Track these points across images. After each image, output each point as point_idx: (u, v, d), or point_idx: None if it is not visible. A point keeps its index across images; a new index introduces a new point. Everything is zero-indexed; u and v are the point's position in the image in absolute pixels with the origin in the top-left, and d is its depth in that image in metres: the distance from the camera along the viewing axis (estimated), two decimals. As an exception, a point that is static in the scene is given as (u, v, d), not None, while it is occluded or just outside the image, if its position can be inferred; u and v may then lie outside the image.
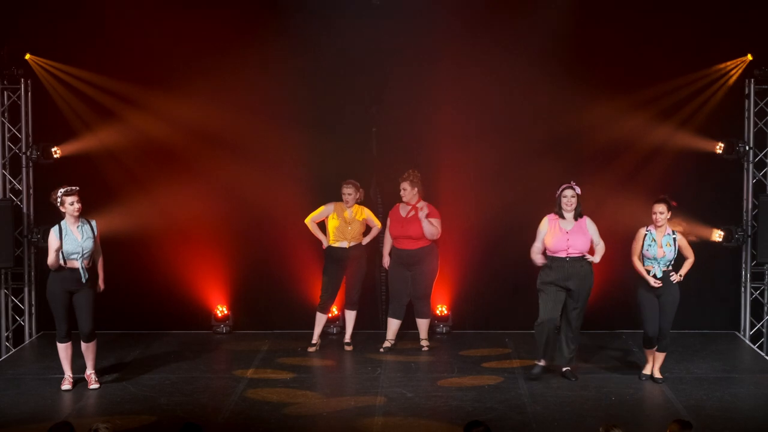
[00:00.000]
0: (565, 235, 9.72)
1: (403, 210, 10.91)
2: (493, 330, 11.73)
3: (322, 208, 10.97)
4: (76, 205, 9.41)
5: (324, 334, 11.36)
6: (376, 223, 11.07)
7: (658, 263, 9.57)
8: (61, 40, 11.42)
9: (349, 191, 10.87)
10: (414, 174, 10.83)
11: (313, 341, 11.05)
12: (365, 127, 11.77)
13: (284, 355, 10.86)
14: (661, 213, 9.57)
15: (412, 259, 10.85)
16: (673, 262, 9.61)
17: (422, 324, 11.06)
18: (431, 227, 10.74)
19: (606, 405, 9.17)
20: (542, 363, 9.87)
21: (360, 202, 11.02)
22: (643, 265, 9.62)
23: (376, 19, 11.37)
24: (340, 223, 10.85)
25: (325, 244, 10.96)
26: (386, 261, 11.04)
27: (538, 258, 9.83)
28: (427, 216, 10.75)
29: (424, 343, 11.05)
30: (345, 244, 10.89)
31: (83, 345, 9.62)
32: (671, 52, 11.32)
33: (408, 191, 10.80)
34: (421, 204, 10.78)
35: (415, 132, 11.63)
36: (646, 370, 9.92)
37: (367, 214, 11.02)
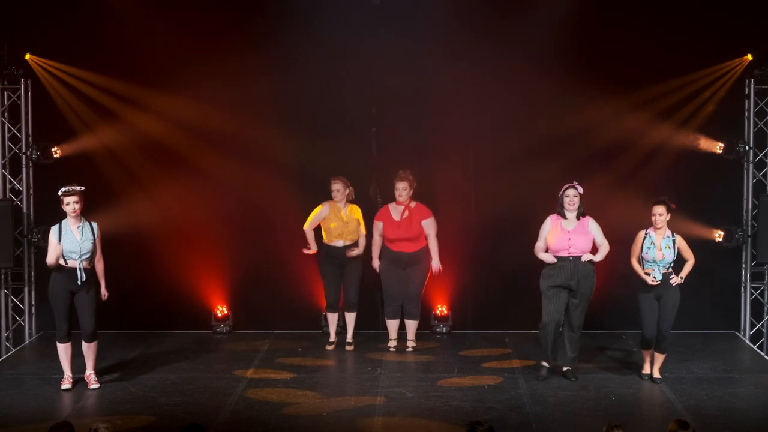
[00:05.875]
0: (566, 234, 9.71)
1: (394, 212, 10.81)
2: (493, 330, 11.72)
3: (317, 211, 10.88)
4: (74, 206, 9.38)
5: (322, 335, 11.39)
6: (363, 231, 10.92)
7: (658, 266, 9.56)
8: (61, 40, 11.42)
9: (337, 187, 10.78)
10: (408, 174, 10.77)
11: (331, 339, 11.15)
12: (365, 127, 11.78)
13: (284, 355, 10.86)
14: (660, 215, 9.56)
15: (409, 260, 10.83)
16: (672, 264, 9.61)
17: (411, 325, 11.02)
18: (435, 242, 10.80)
19: (606, 405, 9.17)
20: (547, 364, 9.88)
21: (353, 201, 10.94)
22: (643, 268, 9.62)
23: (375, 18, 11.38)
24: (336, 224, 10.82)
25: (314, 250, 10.89)
26: (377, 263, 10.93)
27: (544, 256, 9.78)
28: (418, 214, 10.73)
29: (411, 344, 11.01)
30: (341, 243, 10.86)
31: (84, 345, 9.62)
32: (671, 51, 11.32)
33: (406, 192, 10.76)
34: (436, 264, 10.79)
35: (415, 131, 11.63)
36: (646, 370, 9.93)
37: (359, 216, 10.93)
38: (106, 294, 9.64)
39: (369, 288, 11.44)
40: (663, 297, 9.61)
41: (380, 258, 10.92)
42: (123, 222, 11.19)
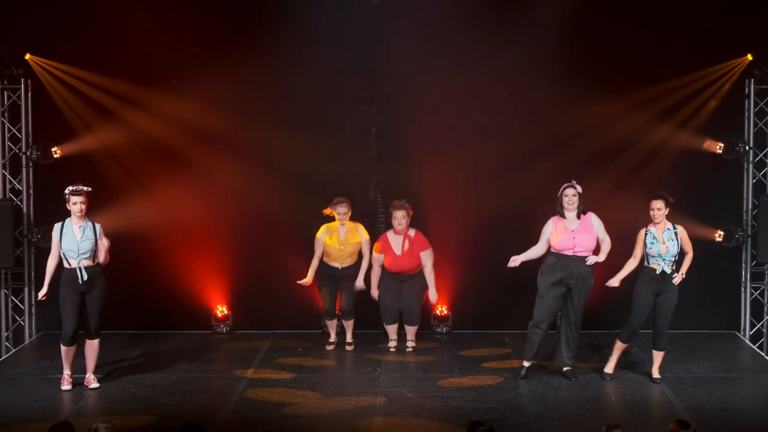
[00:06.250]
0: (570, 234, 9.69)
1: (395, 244, 10.76)
2: (493, 330, 11.73)
3: (318, 237, 10.79)
4: (80, 206, 9.37)
5: (322, 335, 11.39)
6: (367, 255, 10.84)
7: (664, 259, 9.53)
8: (61, 40, 11.43)
9: (343, 210, 10.74)
10: (404, 203, 10.70)
11: (331, 339, 11.18)
12: (365, 127, 11.77)
13: (284, 355, 10.86)
14: (658, 209, 9.55)
15: (406, 278, 10.86)
16: (677, 257, 9.57)
17: (411, 329, 11.04)
18: (432, 273, 10.80)
19: (606, 405, 9.18)
20: (527, 364, 9.88)
21: (353, 217, 10.91)
22: (648, 263, 9.59)
23: (375, 18, 11.38)
24: (332, 247, 10.79)
25: (307, 282, 10.84)
26: (376, 294, 10.89)
27: (515, 261, 9.80)
28: (418, 245, 10.72)
29: (411, 344, 11.02)
30: (338, 265, 10.84)
31: (87, 343, 9.62)
32: (671, 52, 11.33)
33: (406, 220, 10.70)
34: (433, 296, 10.85)
35: (415, 132, 11.62)
36: (609, 368, 9.89)
37: (362, 239, 10.80)
38: (108, 242, 9.50)
39: (368, 289, 11.44)
40: (662, 294, 9.59)
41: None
42: (123, 222, 11.18)
